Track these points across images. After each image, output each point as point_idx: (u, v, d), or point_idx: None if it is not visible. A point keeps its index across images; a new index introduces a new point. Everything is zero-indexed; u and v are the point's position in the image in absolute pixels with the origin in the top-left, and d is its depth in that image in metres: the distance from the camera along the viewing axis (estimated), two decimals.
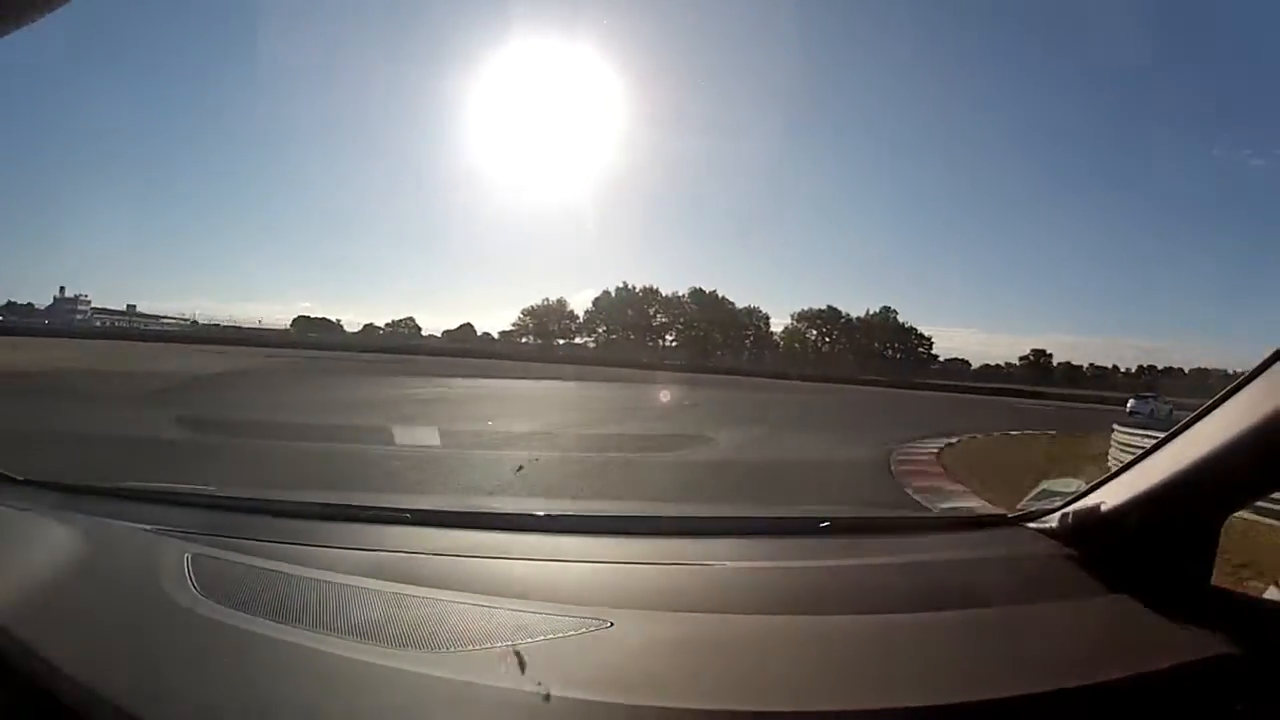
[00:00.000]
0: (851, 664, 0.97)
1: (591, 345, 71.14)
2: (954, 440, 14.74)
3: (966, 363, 71.23)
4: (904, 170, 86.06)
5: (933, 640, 1.04)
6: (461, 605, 1.06)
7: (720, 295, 73.12)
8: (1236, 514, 1.32)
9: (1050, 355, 70.36)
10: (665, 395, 23.29)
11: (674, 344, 72.38)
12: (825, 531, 1.51)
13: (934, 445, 13.56)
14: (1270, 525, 5.61)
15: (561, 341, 71.33)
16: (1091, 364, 69.82)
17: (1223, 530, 1.22)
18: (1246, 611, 1.06)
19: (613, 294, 72.91)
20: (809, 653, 1.00)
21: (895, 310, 72.72)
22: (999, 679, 0.92)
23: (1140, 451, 1.28)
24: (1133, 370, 68.38)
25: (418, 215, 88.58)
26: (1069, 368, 68.11)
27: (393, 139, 78.69)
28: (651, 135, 60.27)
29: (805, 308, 74.32)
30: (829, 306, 73.28)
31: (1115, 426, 12.64)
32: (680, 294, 73.81)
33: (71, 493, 1.62)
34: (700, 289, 73.46)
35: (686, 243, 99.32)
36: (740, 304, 73.84)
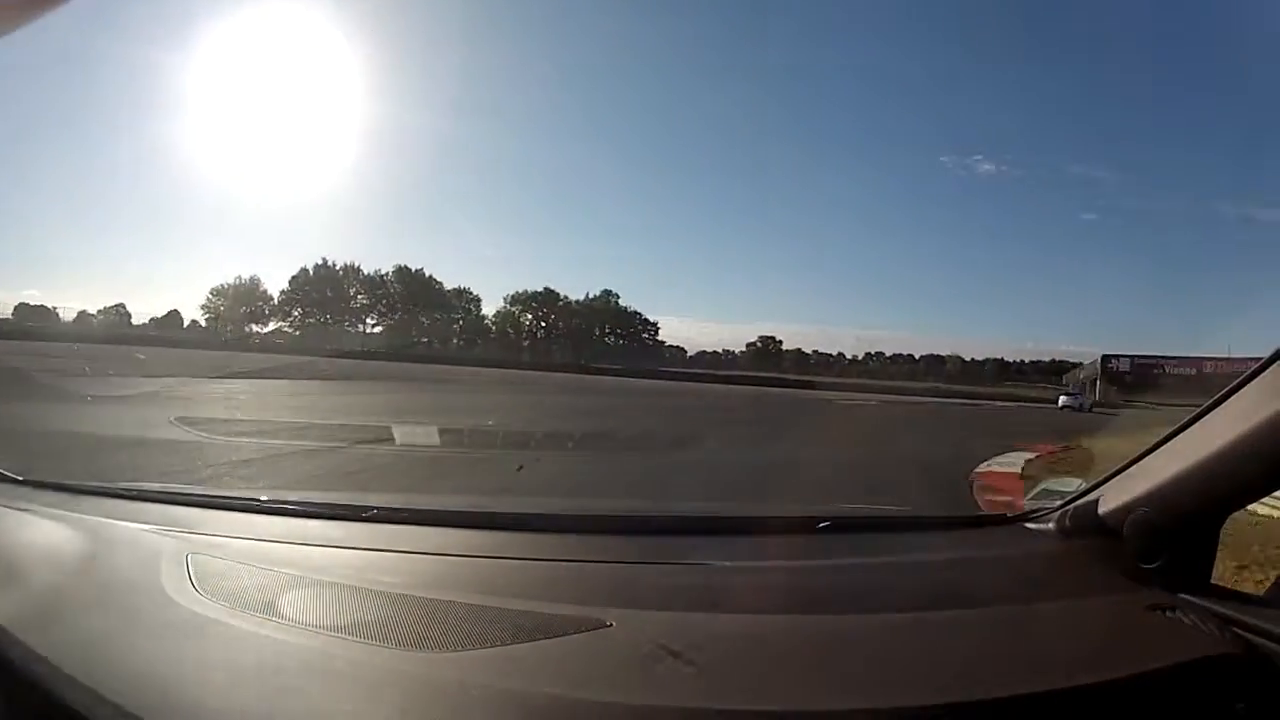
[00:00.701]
0: (851, 664, 0.97)
1: (288, 330, 64.24)
2: None
3: (682, 349, 69.92)
4: (624, 153, 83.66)
5: (933, 640, 1.03)
6: (461, 605, 1.06)
7: (428, 275, 67.71)
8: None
9: (780, 342, 70.11)
10: (340, 401, 15.82)
11: (376, 328, 66.53)
12: (825, 531, 1.51)
13: None
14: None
15: (256, 328, 63.79)
16: (816, 350, 71.06)
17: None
18: (1246, 611, 1.06)
19: (311, 272, 65.61)
20: (809, 652, 0.99)
21: (617, 294, 69.09)
22: (999, 679, 0.92)
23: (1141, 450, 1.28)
24: (859, 357, 71.42)
25: (123, 190, 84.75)
26: (799, 354, 68.87)
27: (89, 105, 72.51)
28: (359, 106, 56.68)
29: (520, 289, 69.44)
30: (546, 289, 68.99)
31: None
32: (384, 272, 67.44)
33: (71, 493, 1.62)
34: (406, 267, 67.39)
35: (391, 218, 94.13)
36: (450, 285, 68.51)
